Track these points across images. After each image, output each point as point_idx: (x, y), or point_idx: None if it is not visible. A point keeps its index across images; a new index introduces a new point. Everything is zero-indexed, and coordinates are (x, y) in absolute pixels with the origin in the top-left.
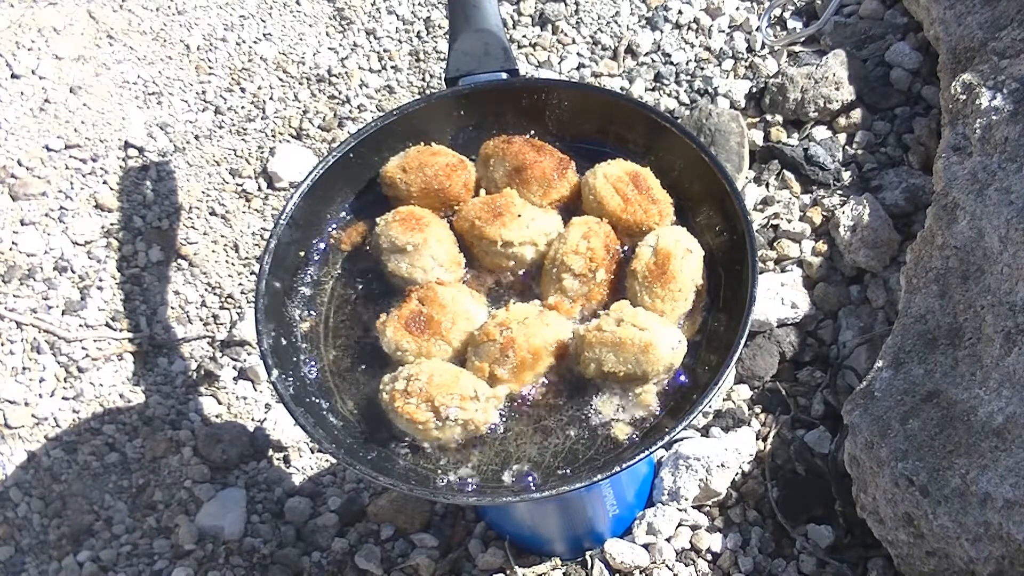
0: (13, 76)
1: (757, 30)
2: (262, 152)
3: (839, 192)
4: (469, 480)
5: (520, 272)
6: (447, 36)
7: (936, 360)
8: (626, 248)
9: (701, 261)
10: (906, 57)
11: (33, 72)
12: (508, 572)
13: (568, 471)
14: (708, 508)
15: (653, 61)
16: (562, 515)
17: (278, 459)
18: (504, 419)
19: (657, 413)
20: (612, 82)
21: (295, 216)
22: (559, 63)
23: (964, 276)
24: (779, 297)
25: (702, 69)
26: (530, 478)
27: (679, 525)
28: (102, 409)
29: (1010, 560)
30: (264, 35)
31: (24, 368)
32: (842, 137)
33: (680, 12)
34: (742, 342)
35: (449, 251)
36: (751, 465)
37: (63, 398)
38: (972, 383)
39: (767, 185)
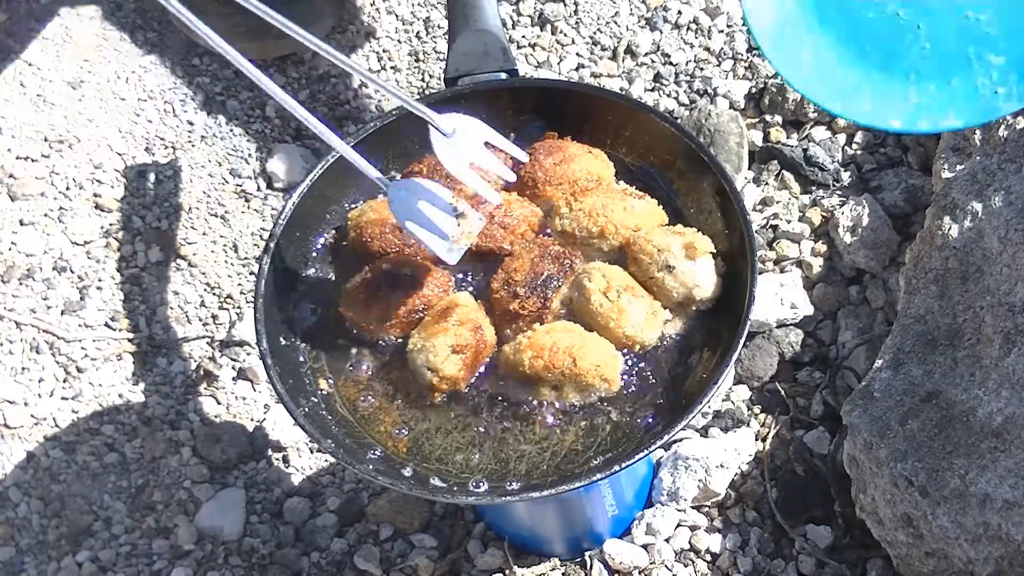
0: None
1: None
2: (261, 152)
3: (838, 192)
4: (468, 480)
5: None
6: (447, 36)
7: (935, 360)
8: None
9: (709, 260)
10: None
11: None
12: (507, 572)
13: (567, 471)
14: (707, 508)
15: (652, 61)
16: (561, 515)
17: (277, 459)
18: (503, 419)
19: (656, 413)
20: (612, 83)
21: (295, 216)
22: (558, 63)
23: (963, 277)
24: (778, 297)
25: (702, 69)
26: (528, 478)
27: (678, 525)
28: (101, 409)
29: (1009, 561)
30: None
31: (23, 368)
32: (841, 137)
33: (679, 12)
34: (741, 342)
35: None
36: (750, 465)
37: (62, 398)
38: (971, 384)
39: (766, 185)
